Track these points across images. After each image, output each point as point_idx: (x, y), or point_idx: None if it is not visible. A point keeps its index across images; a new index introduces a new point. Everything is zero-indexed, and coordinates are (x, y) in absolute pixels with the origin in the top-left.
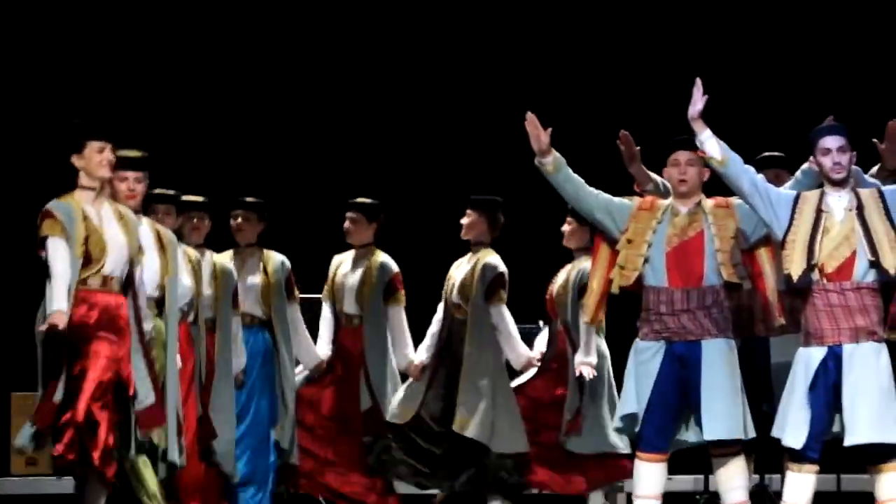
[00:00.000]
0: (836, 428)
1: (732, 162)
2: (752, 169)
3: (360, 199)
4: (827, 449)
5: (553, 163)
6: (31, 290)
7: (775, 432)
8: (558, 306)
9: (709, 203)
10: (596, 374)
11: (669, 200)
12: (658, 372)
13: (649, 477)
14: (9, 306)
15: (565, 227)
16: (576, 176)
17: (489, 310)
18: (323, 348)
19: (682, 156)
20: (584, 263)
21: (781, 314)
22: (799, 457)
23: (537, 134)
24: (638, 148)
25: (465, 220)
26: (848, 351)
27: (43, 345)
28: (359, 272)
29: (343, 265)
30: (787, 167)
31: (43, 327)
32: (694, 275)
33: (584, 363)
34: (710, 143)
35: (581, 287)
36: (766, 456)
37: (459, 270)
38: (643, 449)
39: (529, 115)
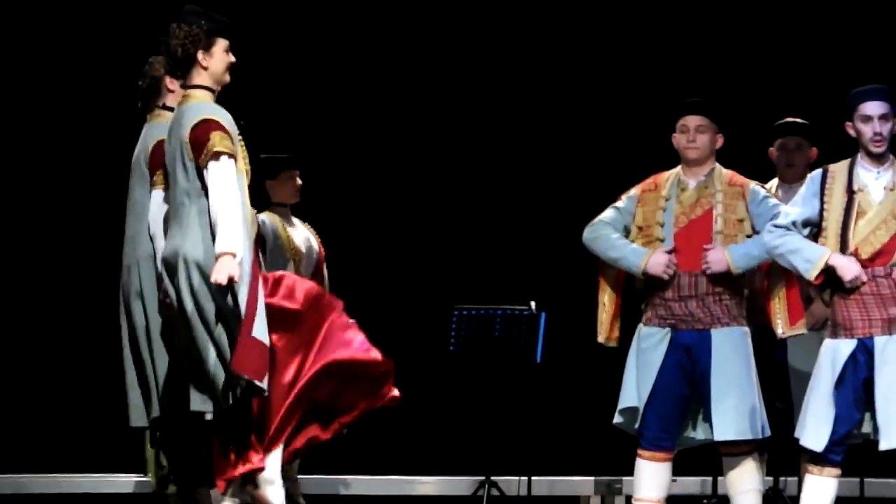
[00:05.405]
0: (865, 428)
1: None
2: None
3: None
4: (849, 450)
5: None
6: None
7: (797, 432)
8: None
9: (724, 175)
10: None
11: (677, 171)
12: (662, 362)
13: (651, 478)
14: None
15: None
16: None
17: None
18: None
19: (692, 121)
20: None
21: (793, 323)
22: (820, 459)
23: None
24: None
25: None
26: (880, 344)
27: None
28: (310, 235)
29: (288, 226)
30: (811, 137)
31: None
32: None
33: None
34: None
35: None
36: (781, 456)
37: None
38: (645, 447)
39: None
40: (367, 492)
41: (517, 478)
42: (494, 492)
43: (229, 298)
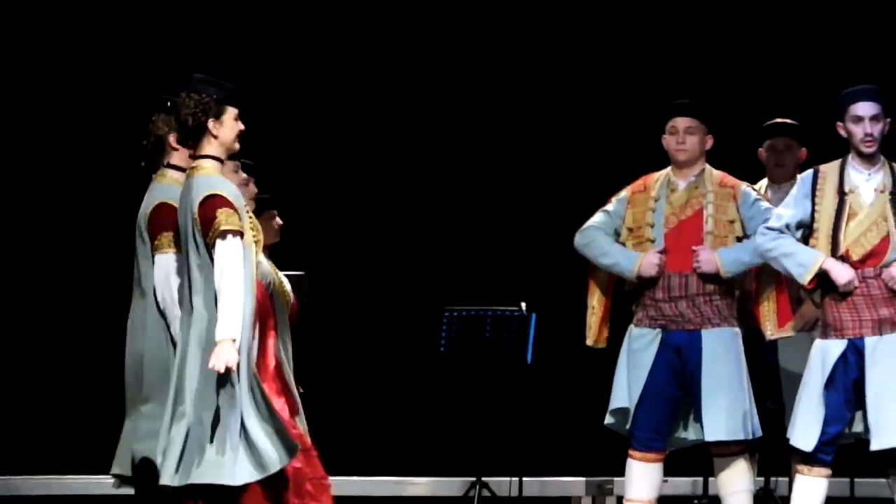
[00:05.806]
0: (856, 428)
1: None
2: (758, 239)
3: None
4: (840, 450)
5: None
6: None
7: (788, 433)
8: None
9: (714, 176)
10: None
11: (666, 172)
12: (652, 363)
13: (643, 478)
14: None
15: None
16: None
17: None
18: None
19: (681, 122)
20: None
21: (782, 325)
22: (809, 459)
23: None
24: None
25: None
26: (870, 344)
27: None
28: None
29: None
30: (800, 137)
31: None
32: (692, 258)
33: None
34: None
35: None
36: (772, 456)
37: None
38: (636, 447)
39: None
40: (358, 493)
41: (508, 478)
42: (485, 492)
43: (233, 376)
